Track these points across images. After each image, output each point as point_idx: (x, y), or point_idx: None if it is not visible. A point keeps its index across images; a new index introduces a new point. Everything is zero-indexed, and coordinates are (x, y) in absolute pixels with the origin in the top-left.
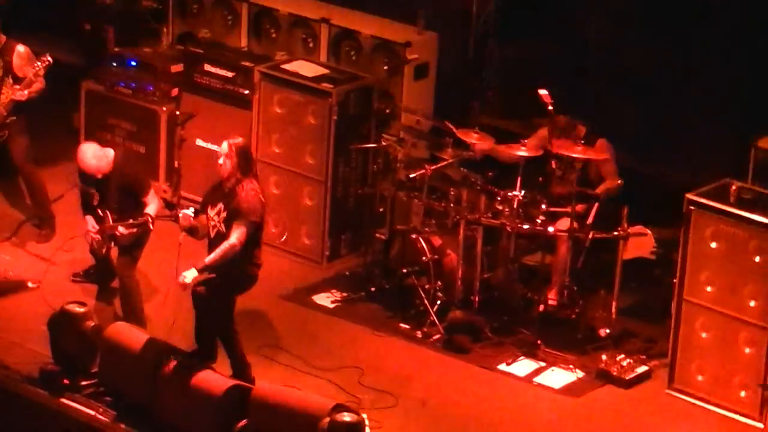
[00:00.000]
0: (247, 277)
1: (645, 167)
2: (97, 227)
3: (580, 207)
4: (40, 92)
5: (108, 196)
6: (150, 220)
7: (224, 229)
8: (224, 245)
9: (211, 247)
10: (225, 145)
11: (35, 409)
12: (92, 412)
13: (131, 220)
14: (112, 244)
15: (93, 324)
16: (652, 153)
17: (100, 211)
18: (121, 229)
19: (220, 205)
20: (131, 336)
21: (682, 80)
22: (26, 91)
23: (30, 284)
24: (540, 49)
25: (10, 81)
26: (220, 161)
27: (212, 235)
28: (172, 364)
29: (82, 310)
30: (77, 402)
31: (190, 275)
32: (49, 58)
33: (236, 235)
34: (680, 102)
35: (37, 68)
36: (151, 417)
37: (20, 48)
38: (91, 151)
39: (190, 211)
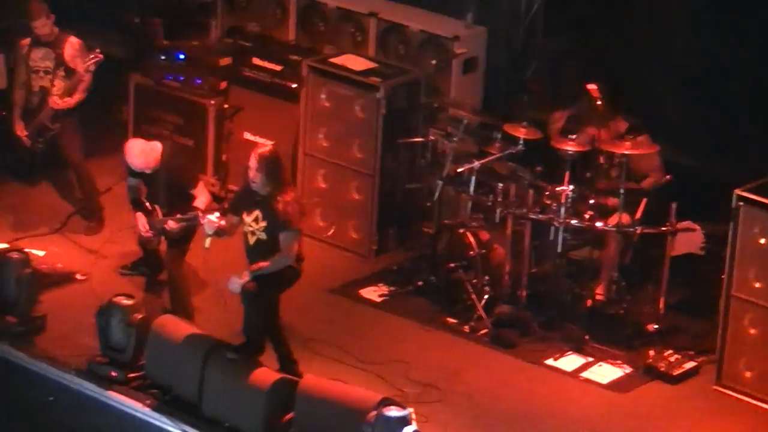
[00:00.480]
0: (293, 272)
1: (693, 162)
2: (147, 225)
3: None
4: (87, 90)
5: (156, 190)
6: (199, 214)
7: (264, 238)
8: (276, 258)
9: (253, 254)
10: (253, 157)
11: (83, 401)
12: (139, 405)
13: (180, 215)
14: (161, 237)
15: (141, 316)
16: (701, 148)
17: (148, 205)
18: (171, 224)
19: (257, 213)
20: (179, 329)
21: (730, 74)
22: (73, 98)
23: (78, 276)
24: (588, 42)
25: (62, 72)
26: (251, 174)
27: (251, 242)
28: (220, 357)
29: (130, 302)
30: (124, 394)
31: (241, 279)
32: (100, 54)
33: (286, 248)
34: (729, 96)
35: (87, 64)
36: (197, 410)
37: (73, 40)
38: (138, 148)
39: (214, 217)
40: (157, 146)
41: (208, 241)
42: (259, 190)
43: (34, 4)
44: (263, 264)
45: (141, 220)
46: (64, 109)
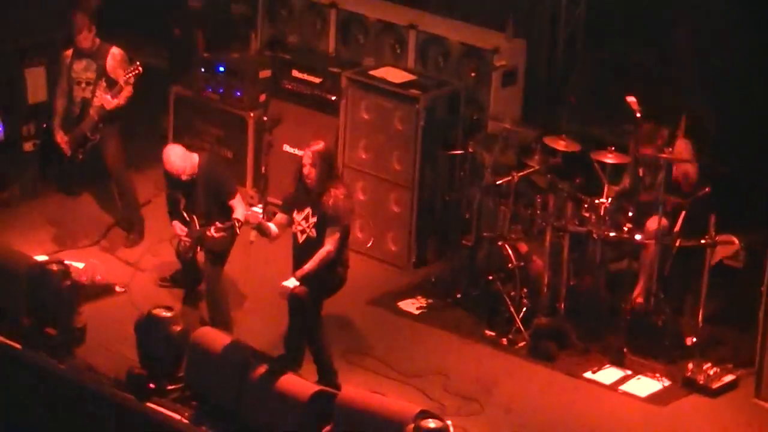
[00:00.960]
0: (339, 278)
1: (732, 171)
2: (186, 231)
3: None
4: (129, 99)
5: (195, 200)
6: (237, 224)
7: (314, 234)
8: (321, 252)
9: (301, 252)
10: (308, 153)
11: (122, 412)
12: (178, 416)
13: (218, 224)
14: (199, 248)
15: (180, 328)
16: (740, 157)
17: (186, 215)
18: (212, 232)
19: (308, 210)
20: (217, 340)
21: None
22: (114, 99)
23: (118, 288)
24: (627, 54)
25: (104, 84)
26: (305, 170)
27: (301, 240)
28: (258, 368)
29: (169, 314)
30: (163, 406)
31: (291, 284)
32: (140, 67)
33: (331, 241)
34: None
35: (128, 76)
36: (236, 421)
37: (115, 50)
38: (176, 151)
39: (258, 209)
40: (194, 156)
41: (253, 235)
42: (313, 187)
43: (77, 17)
44: (308, 267)
45: (178, 226)
46: (106, 117)
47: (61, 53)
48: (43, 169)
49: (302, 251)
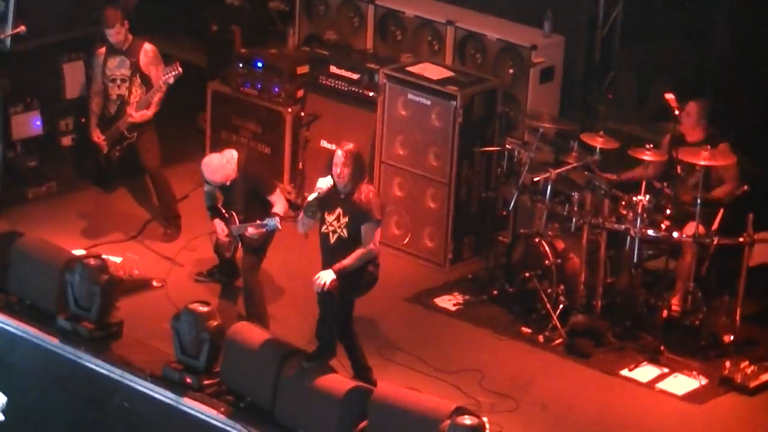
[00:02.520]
0: (371, 276)
1: None
2: (226, 230)
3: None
4: (160, 102)
5: (234, 197)
6: (278, 219)
7: (346, 235)
8: (361, 249)
9: (332, 253)
10: (339, 153)
11: (158, 407)
12: (213, 411)
13: (258, 221)
14: (239, 244)
15: (216, 323)
16: None
17: (225, 213)
18: (251, 230)
19: (339, 210)
20: (254, 336)
21: None
22: (149, 110)
23: (155, 283)
24: (666, 52)
25: (138, 80)
26: (337, 170)
27: (332, 240)
28: (294, 364)
29: (205, 309)
30: (199, 401)
31: (327, 277)
32: (179, 68)
33: (369, 239)
34: None
35: (167, 76)
36: (272, 417)
37: (147, 46)
38: (214, 164)
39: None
40: (233, 156)
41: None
42: (344, 186)
43: (109, 11)
44: (347, 262)
45: (219, 225)
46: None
47: (95, 51)
48: (80, 165)
49: (333, 253)
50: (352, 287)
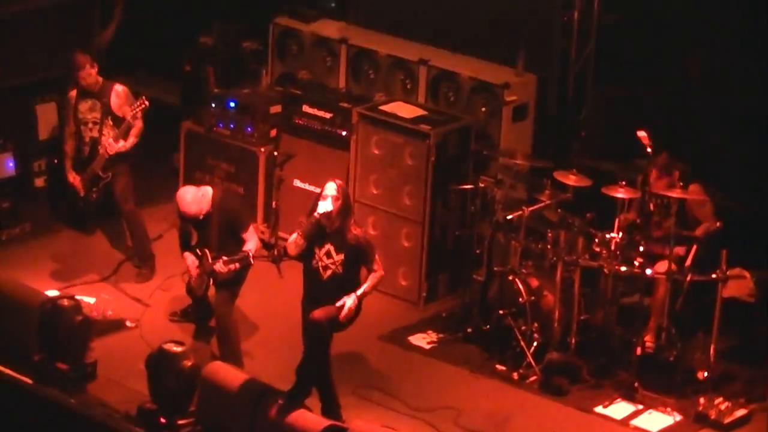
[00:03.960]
0: (358, 309)
1: (744, 207)
2: (197, 265)
3: (679, 249)
4: (140, 134)
5: (209, 233)
6: (250, 255)
7: (341, 272)
8: (376, 275)
9: (326, 289)
10: (332, 186)
11: None
12: None
13: (225, 257)
14: (211, 282)
15: (191, 363)
16: (752, 193)
17: (198, 250)
18: (220, 266)
19: (329, 247)
20: (228, 376)
21: None
22: (128, 142)
23: (129, 323)
24: (639, 89)
25: (110, 122)
26: (327, 204)
27: (326, 276)
28: (270, 403)
29: (179, 349)
30: None
31: (351, 302)
32: (146, 101)
33: (379, 265)
34: None
35: (134, 111)
36: None
37: (118, 87)
38: (189, 196)
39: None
40: (208, 191)
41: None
42: (332, 221)
43: (78, 54)
44: (366, 287)
45: (190, 258)
46: (117, 156)
47: (66, 94)
48: (55, 207)
49: (328, 288)
50: (336, 322)
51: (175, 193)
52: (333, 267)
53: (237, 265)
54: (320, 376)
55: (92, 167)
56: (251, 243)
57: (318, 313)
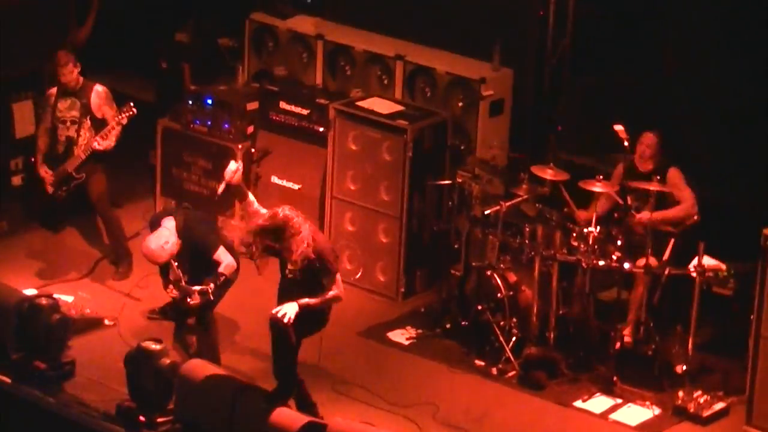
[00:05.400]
0: (324, 318)
1: (722, 199)
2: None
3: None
4: (118, 138)
5: (179, 260)
6: (209, 290)
7: (300, 277)
8: (331, 294)
9: (288, 289)
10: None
11: None
12: None
13: (196, 289)
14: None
15: (169, 361)
16: (729, 185)
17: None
18: (192, 300)
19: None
20: (207, 373)
21: (759, 111)
22: (105, 141)
23: (107, 321)
24: (615, 82)
25: (89, 123)
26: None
27: (288, 276)
28: (248, 401)
29: (158, 347)
30: None
31: (291, 311)
32: (134, 108)
33: (337, 287)
34: (758, 132)
35: (121, 116)
36: None
37: (98, 88)
38: (151, 249)
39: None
40: (169, 226)
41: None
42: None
43: (62, 52)
44: (314, 302)
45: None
46: (93, 156)
47: (45, 91)
48: (28, 204)
49: (290, 288)
50: (305, 325)
51: (151, 192)
52: (292, 274)
53: (211, 287)
54: (291, 374)
55: (64, 166)
56: (224, 264)
57: (276, 312)
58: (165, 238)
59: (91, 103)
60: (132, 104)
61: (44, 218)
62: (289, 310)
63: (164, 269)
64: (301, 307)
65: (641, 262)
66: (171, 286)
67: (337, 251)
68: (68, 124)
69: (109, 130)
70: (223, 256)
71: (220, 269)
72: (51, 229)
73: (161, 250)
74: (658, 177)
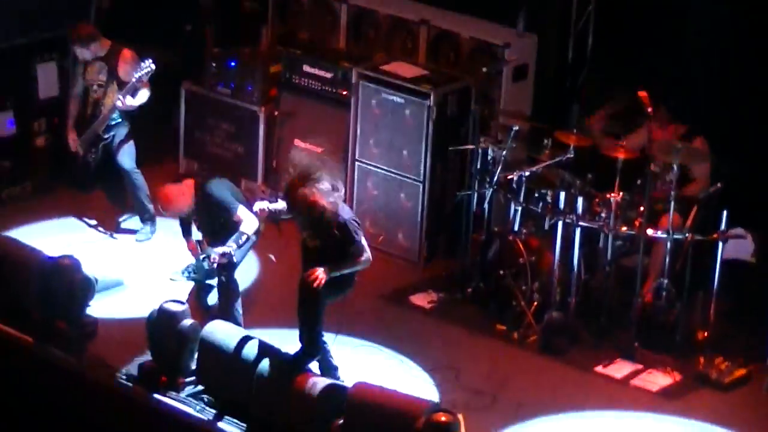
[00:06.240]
0: (352, 283)
1: (746, 169)
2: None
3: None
4: (145, 97)
5: (200, 221)
6: (231, 250)
7: (322, 247)
8: (361, 258)
9: (312, 257)
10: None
11: (134, 405)
12: (189, 410)
13: (217, 251)
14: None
15: (191, 322)
16: (754, 155)
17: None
18: (213, 259)
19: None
20: (229, 334)
21: None
22: (130, 101)
23: (130, 282)
24: (639, 50)
25: (115, 85)
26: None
27: (310, 245)
28: (270, 362)
29: (180, 308)
30: (175, 399)
31: (322, 275)
32: (152, 65)
33: (366, 252)
34: None
35: (140, 74)
36: (248, 415)
37: (125, 52)
38: (167, 196)
39: (264, 204)
40: (187, 189)
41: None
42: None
43: (83, 28)
44: (344, 266)
45: (189, 245)
46: (118, 117)
47: (71, 53)
48: (55, 166)
49: (310, 257)
50: (331, 289)
51: (175, 154)
52: (314, 242)
53: (233, 247)
54: (316, 338)
55: (93, 128)
56: (245, 224)
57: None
58: (184, 191)
59: (118, 66)
60: (151, 61)
61: (76, 180)
62: (320, 274)
63: (186, 229)
64: (330, 271)
65: (664, 227)
66: (193, 247)
67: (359, 220)
68: (95, 87)
69: (131, 89)
70: (243, 214)
71: (241, 228)
72: (82, 190)
73: (178, 198)
74: (687, 140)
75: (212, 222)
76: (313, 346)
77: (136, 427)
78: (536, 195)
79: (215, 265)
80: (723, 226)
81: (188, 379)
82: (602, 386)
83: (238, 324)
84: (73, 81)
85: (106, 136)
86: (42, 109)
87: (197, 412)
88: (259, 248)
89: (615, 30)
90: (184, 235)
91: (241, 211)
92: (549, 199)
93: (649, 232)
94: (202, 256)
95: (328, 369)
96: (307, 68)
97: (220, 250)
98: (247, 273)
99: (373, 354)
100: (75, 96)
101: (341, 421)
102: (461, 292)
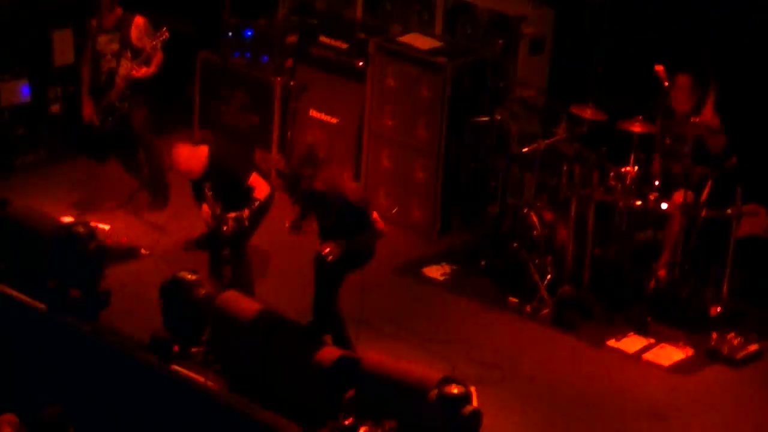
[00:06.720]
0: (369, 255)
1: (760, 143)
2: (210, 216)
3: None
4: (160, 65)
5: (213, 188)
6: (244, 217)
7: (335, 222)
8: (375, 233)
9: (327, 231)
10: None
11: (146, 374)
12: (201, 379)
13: (231, 215)
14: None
15: (204, 292)
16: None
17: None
18: (226, 227)
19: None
20: (242, 304)
21: None
22: (144, 70)
23: (143, 251)
24: (656, 24)
25: (129, 54)
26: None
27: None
28: (282, 333)
29: (193, 277)
30: (186, 369)
31: (337, 248)
32: (167, 32)
33: (379, 225)
34: None
35: (155, 43)
36: (260, 385)
37: (138, 20)
38: (182, 156)
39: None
40: (202, 151)
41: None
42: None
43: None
44: (360, 240)
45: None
46: (134, 86)
47: (87, 21)
48: (70, 133)
49: (328, 231)
50: (347, 262)
51: (190, 123)
52: (329, 221)
53: (246, 213)
54: (329, 311)
55: (108, 97)
56: (258, 190)
57: (324, 248)
58: (199, 152)
59: (131, 34)
60: (165, 29)
61: (91, 149)
62: (335, 248)
63: (199, 194)
64: (346, 245)
65: (678, 202)
66: (206, 211)
67: (368, 197)
68: (109, 56)
69: (147, 59)
70: (256, 182)
71: (254, 194)
72: (97, 159)
73: (192, 158)
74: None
75: (225, 188)
76: (325, 319)
77: (146, 395)
78: (551, 168)
79: (228, 231)
80: (737, 202)
81: (200, 349)
82: (614, 360)
83: (251, 294)
84: (85, 48)
85: (121, 105)
86: (57, 77)
87: (208, 381)
88: (272, 215)
89: (632, 3)
90: (196, 200)
91: (255, 178)
92: (564, 172)
93: (663, 206)
94: (214, 222)
95: (342, 341)
96: (323, 39)
97: (233, 215)
98: (260, 243)
99: (384, 326)
100: (87, 62)
101: (353, 393)
102: (475, 264)
